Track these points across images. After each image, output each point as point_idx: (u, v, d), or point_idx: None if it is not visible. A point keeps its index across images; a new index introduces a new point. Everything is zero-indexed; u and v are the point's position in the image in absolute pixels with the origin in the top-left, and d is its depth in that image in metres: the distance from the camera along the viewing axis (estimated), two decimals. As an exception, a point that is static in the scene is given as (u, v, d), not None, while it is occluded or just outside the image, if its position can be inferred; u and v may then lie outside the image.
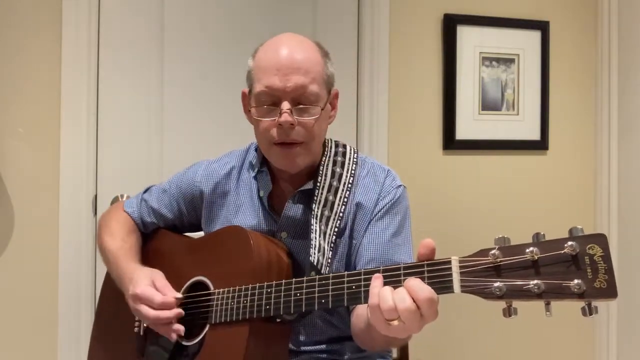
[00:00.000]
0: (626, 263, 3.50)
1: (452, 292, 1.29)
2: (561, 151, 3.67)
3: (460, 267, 1.28)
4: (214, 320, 1.72)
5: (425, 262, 1.34)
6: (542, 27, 3.61)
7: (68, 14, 2.94)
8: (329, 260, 1.77)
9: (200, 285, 1.82)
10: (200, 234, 2.03)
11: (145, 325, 1.89)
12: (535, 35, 3.60)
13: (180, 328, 1.72)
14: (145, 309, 1.73)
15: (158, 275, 1.80)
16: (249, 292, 1.66)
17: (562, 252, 1.18)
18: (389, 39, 3.36)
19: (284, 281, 1.62)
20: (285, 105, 1.73)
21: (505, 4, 3.56)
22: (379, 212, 1.84)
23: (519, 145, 3.60)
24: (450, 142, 3.46)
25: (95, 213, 2.97)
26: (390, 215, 1.84)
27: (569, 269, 1.17)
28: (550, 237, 1.22)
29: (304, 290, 1.57)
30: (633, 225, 3.57)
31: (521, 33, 3.58)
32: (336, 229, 1.81)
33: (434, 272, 1.32)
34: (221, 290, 1.73)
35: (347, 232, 1.85)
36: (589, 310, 1.15)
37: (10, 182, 2.90)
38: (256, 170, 1.93)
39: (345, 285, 1.48)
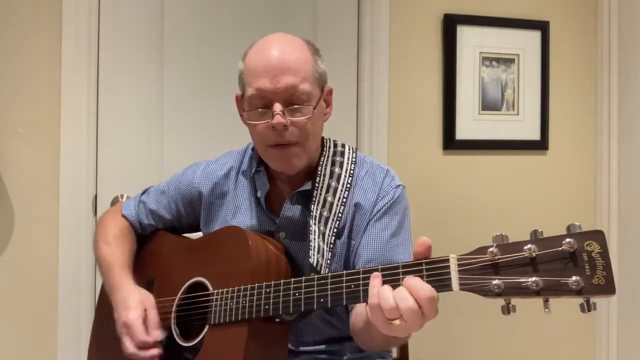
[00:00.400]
0: (626, 263, 3.49)
1: (451, 290, 1.29)
2: (561, 151, 3.67)
3: (459, 265, 1.28)
4: (213, 321, 1.72)
5: (424, 261, 1.34)
6: (542, 27, 3.61)
7: (68, 14, 2.94)
8: (328, 262, 1.77)
9: (199, 286, 1.82)
10: (199, 234, 2.03)
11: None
12: (535, 35, 3.60)
13: None
14: (127, 340, 1.74)
15: (150, 306, 1.80)
16: (248, 292, 1.66)
17: (560, 249, 1.18)
18: (389, 39, 3.36)
19: (282, 281, 1.62)
20: (277, 107, 1.72)
21: (505, 4, 3.56)
22: (377, 212, 1.84)
23: (519, 145, 3.59)
24: (450, 142, 3.45)
25: (95, 213, 2.97)
26: (389, 215, 1.84)
27: (567, 266, 1.17)
28: (549, 235, 1.23)
29: (303, 290, 1.56)
30: (633, 225, 3.57)
31: (521, 33, 3.58)
32: (335, 230, 1.81)
33: (433, 271, 1.31)
34: (220, 290, 1.73)
35: (345, 232, 1.85)
36: (587, 307, 1.15)
37: (10, 182, 2.90)
38: (253, 170, 1.92)
39: (344, 284, 1.48)
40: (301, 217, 1.84)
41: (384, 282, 1.35)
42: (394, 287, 1.32)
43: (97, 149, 3.02)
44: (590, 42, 3.73)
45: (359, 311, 1.69)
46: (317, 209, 1.81)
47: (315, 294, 1.54)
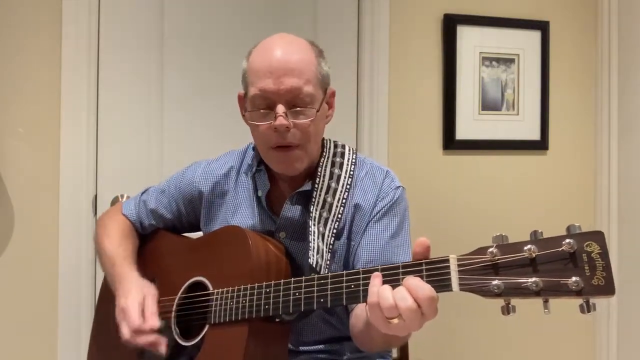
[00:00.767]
0: (626, 263, 3.49)
1: (451, 290, 1.29)
2: (561, 151, 3.67)
3: (459, 266, 1.28)
4: (213, 321, 1.72)
5: (424, 261, 1.33)
6: (542, 27, 3.61)
7: (68, 14, 2.94)
8: (328, 262, 1.76)
9: (199, 286, 1.82)
10: (199, 234, 2.03)
11: None
12: (535, 35, 3.60)
13: (162, 351, 1.72)
14: (124, 327, 1.74)
15: (150, 294, 1.79)
16: (248, 292, 1.66)
17: (560, 249, 1.18)
18: (389, 39, 3.36)
19: (282, 281, 1.62)
20: (280, 109, 1.71)
21: (505, 4, 3.56)
22: (377, 213, 1.83)
23: (519, 145, 3.60)
24: (450, 142, 3.46)
25: (95, 213, 2.97)
26: (389, 216, 1.84)
27: (567, 267, 1.17)
28: (549, 235, 1.23)
29: (303, 290, 1.56)
30: (633, 225, 3.57)
31: (521, 33, 3.58)
32: (334, 231, 1.80)
33: (433, 271, 1.31)
34: (220, 290, 1.73)
35: (345, 233, 1.84)
36: (587, 308, 1.15)
37: (10, 182, 2.90)
38: (254, 169, 1.92)
39: (344, 284, 1.48)
40: (301, 218, 1.84)
41: (384, 282, 1.35)
42: (394, 287, 1.32)
43: (97, 149, 3.02)
44: (590, 42, 3.73)
45: (359, 312, 1.68)
46: (316, 210, 1.80)
47: (315, 294, 1.54)
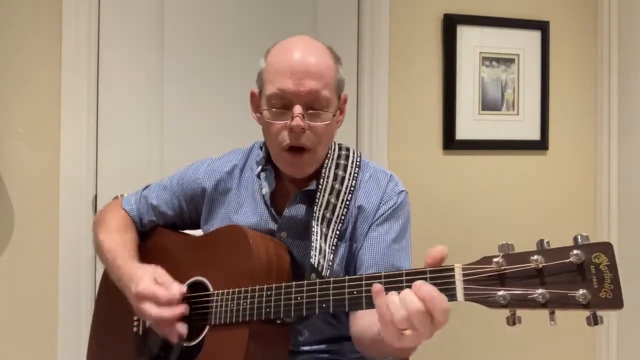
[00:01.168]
0: (626, 263, 3.49)
1: (456, 300, 1.27)
2: (561, 151, 3.67)
3: (464, 275, 1.27)
4: (213, 322, 1.72)
5: (428, 269, 1.32)
6: (542, 27, 3.61)
7: (68, 14, 2.94)
8: (330, 263, 1.77)
9: (199, 285, 1.82)
10: (200, 231, 2.03)
11: (147, 324, 1.87)
12: (535, 35, 3.60)
13: (182, 331, 1.70)
14: (149, 307, 1.69)
15: (159, 271, 1.78)
16: (249, 294, 1.66)
17: (568, 260, 1.16)
18: (389, 39, 3.36)
19: (284, 284, 1.61)
20: (298, 110, 1.72)
21: (505, 4, 3.56)
22: (380, 216, 1.84)
23: (519, 145, 3.60)
24: (450, 142, 3.46)
25: (95, 213, 2.96)
26: (392, 220, 1.84)
27: (575, 279, 1.15)
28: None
29: (305, 294, 1.56)
30: (633, 226, 3.58)
31: (521, 33, 3.58)
32: (338, 232, 1.81)
33: (437, 280, 1.30)
34: (221, 291, 1.72)
35: (347, 235, 1.85)
36: (594, 320, 1.14)
37: (10, 182, 2.90)
38: (260, 167, 1.92)
39: (347, 290, 1.48)
40: (303, 217, 1.85)
41: (386, 290, 1.34)
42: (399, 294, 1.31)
43: (97, 149, 3.02)
44: (590, 42, 3.73)
45: (362, 327, 1.68)
46: (319, 210, 1.81)
47: (317, 299, 1.53)
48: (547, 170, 3.65)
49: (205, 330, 1.74)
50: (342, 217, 1.83)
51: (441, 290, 1.29)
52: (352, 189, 1.86)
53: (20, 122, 2.91)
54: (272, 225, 1.88)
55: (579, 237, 1.17)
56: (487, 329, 3.38)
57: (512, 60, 3.55)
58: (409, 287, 1.30)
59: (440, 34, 3.46)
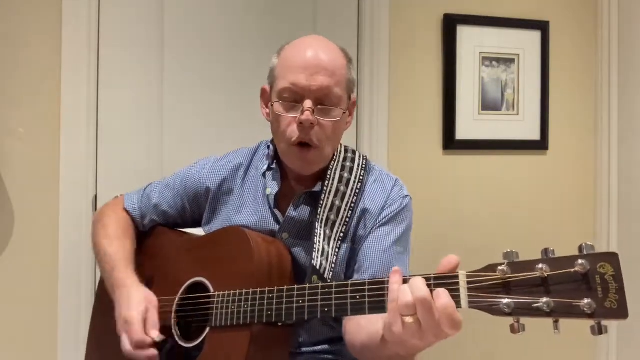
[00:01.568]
0: (626, 263, 3.46)
1: (460, 307, 1.27)
2: (561, 151, 3.67)
3: (468, 283, 1.27)
4: (214, 323, 1.72)
5: (433, 275, 1.32)
6: (542, 27, 3.61)
7: (68, 14, 2.94)
8: (333, 265, 1.77)
9: (200, 287, 1.82)
10: (201, 230, 2.03)
11: None
12: (535, 35, 3.59)
13: None
14: (126, 340, 1.73)
15: (152, 305, 1.78)
16: (250, 296, 1.66)
17: (573, 270, 1.16)
18: (389, 39, 3.36)
19: (285, 287, 1.61)
20: (308, 104, 1.74)
21: (505, 4, 3.56)
22: (383, 218, 1.85)
23: (519, 145, 3.59)
24: (450, 142, 3.45)
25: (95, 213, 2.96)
26: (395, 223, 1.85)
27: (579, 288, 1.15)
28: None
29: (307, 298, 1.56)
30: (633, 226, 3.58)
31: (521, 33, 3.58)
32: (341, 234, 1.82)
33: (441, 287, 1.29)
34: (221, 293, 1.72)
35: (350, 236, 1.85)
36: (598, 330, 1.14)
37: (10, 182, 2.89)
38: (265, 168, 1.93)
39: (349, 295, 1.48)
40: (307, 219, 1.85)
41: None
42: None
43: (97, 149, 3.02)
44: (590, 42, 3.73)
45: (360, 338, 1.67)
46: (324, 212, 1.82)
47: (319, 303, 1.54)
48: (547, 170, 3.65)
49: (206, 332, 1.74)
50: (347, 220, 1.83)
51: None
52: (357, 191, 1.87)
53: (20, 122, 2.90)
54: (274, 226, 1.88)
55: (584, 246, 1.17)
56: (487, 330, 3.37)
57: (512, 60, 3.55)
58: None
59: (440, 34, 3.45)
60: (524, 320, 1.23)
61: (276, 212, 1.89)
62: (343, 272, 1.84)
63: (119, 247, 1.98)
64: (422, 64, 3.44)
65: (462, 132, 3.46)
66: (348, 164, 1.91)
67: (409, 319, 1.29)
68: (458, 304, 1.27)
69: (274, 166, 1.92)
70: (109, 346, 1.98)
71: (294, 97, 1.76)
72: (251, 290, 1.66)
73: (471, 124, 3.48)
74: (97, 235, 2.05)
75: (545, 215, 3.58)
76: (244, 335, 1.66)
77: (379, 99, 3.34)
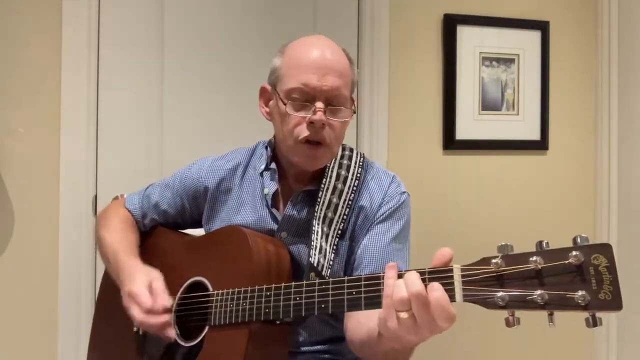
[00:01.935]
0: (626, 263, 3.49)
1: (454, 301, 1.26)
2: (561, 151, 3.67)
3: (463, 276, 1.26)
4: (213, 322, 1.72)
5: (427, 270, 1.31)
6: (542, 27, 3.61)
7: (68, 14, 2.94)
8: (331, 263, 1.78)
9: (199, 286, 1.82)
10: (201, 230, 2.03)
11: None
12: (535, 35, 3.60)
13: (171, 335, 1.72)
14: (136, 310, 1.72)
15: (156, 277, 1.79)
16: (249, 294, 1.66)
17: (567, 262, 1.15)
18: (389, 39, 3.36)
19: (283, 285, 1.61)
20: (320, 104, 1.74)
21: (505, 4, 3.56)
22: (381, 215, 1.85)
23: (519, 145, 3.59)
24: (450, 142, 3.46)
25: (95, 213, 2.96)
26: (393, 220, 1.85)
27: (574, 280, 1.15)
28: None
29: (304, 295, 1.56)
30: (633, 226, 3.58)
31: (521, 33, 3.58)
32: (339, 232, 1.82)
33: (436, 280, 1.28)
34: (220, 292, 1.73)
35: (348, 234, 1.85)
36: (592, 322, 1.13)
37: (10, 182, 2.90)
38: (263, 167, 1.93)
39: (345, 290, 1.47)
40: (304, 217, 1.85)
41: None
42: None
43: (97, 149, 3.02)
44: (590, 42, 3.73)
45: (360, 335, 1.67)
46: (321, 210, 1.82)
47: (316, 299, 1.53)
48: (547, 170, 3.65)
49: (205, 331, 1.74)
50: (344, 217, 1.83)
51: None
52: (354, 189, 1.87)
53: (20, 122, 2.90)
54: (272, 225, 1.88)
55: (579, 238, 1.17)
56: (485, 328, 3.37)
57: (512, 60, 3.55)
58: None
59: (440, 34, 3.46)
60: (519, 313, 1.22)
61: (274, 211, 1.89)
62: (342, 269, 1.84)
63: (121, 236, 2.00)
64: (422, 64, 3.44)
65: (462, 132, 3.46)
66: (345, 161, 1.91)
67: (403, 315, 1.28)
68: (452, 297, 1.26)
69: (272, 166, 1.92)
70: (110, 346, 1.98)
71: (304, 97, 1.76)
72: (249, 288, 1.66)
73: (471, 124, 3.48)
74: (100, 229, 2.07)
75: (545, 215, 3.58)
76: (242, 333, 1.66)
77: (379, 99, 3.34)
